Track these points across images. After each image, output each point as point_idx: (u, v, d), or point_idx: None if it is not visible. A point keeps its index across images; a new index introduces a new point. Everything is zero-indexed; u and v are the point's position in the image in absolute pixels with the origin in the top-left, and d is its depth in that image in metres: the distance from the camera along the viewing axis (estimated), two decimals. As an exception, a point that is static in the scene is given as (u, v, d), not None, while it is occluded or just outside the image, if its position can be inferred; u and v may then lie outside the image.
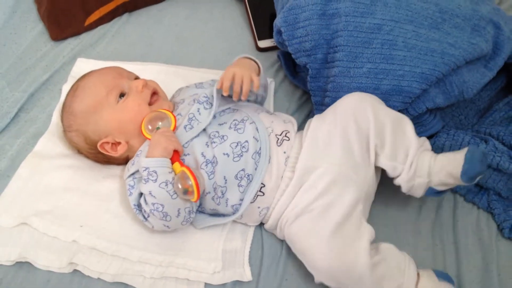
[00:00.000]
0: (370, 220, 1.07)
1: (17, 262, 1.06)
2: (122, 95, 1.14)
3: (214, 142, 1.07)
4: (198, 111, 1.12)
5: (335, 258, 0.97)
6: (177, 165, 1.04)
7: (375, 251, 1.01)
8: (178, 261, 1.06)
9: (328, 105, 1.16)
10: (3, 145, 1.24)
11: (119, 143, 1.13)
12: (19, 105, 1.30)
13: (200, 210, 1.12)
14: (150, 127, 1.11)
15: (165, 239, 1.09)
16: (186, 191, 1.01)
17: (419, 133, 1.17)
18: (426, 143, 1.08)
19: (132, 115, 1.12)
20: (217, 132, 1.09)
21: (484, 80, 1.16)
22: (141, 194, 1.05)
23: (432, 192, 1.05)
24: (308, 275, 1.04)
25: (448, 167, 1.01)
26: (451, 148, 1.15)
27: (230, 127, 1.10)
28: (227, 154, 1.06)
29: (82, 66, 1.39)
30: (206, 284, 1.04)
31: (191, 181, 1.00)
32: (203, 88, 1.21)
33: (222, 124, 1.11)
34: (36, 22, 1.50)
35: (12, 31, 1.47)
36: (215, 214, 1.12)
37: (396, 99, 1.10)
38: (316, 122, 1.12)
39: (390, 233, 1.11)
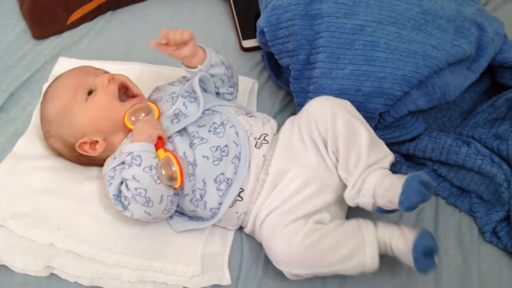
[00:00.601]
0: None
1: (-7, 265, 1.04)
2: (90, 92, 1.12)
3: (194, 143, 1.06)
4: (184, 105, 1.11)
5: (286, 246, 0.98)
6: (161, 151, 1.03)
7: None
8: (156, 265, 1.04)
9: (309, 107, 1.15)
10: (-18, 146, 1.22)
11: (96, 141, 1.12)
12: (-2, 105, 1.29)
13: (179, 211, 1.11)
14: (133, 119, 1.10)
15: (143, 243, 1.08)
16: (171, 178, 1.00)
17: (400, 136, 1.17)
18: (384, 160, 1.03)
19: (102, 111, 1.10)
20: (197, 132, 1.08)
21: (467, 83, 1.15)
22: (121, 183, 1.04)
23: (382, 211, 1.00)
24: (287, 280, 1.03)
25: (388, 194, 0.96)
26: (433, 151, 1.14)
27: (209, 131, 1.08)
28: (206, 157, 1.05)
29: (64, 65, 1.36)
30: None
31: (175, 167, 0.99)
32: (175, 85, 1.20)
33: (201, 126, 1.09)
34: (18, 20, 1.48)
35: (-7, 29, 1.46)
36: (194, 217, 1.10)
37: (378, 101, 1.09)
38: (288, 125, 1.12)
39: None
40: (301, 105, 1.20)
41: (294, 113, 1.28)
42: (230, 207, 1.06)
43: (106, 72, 1.18)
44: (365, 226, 1.01)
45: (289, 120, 1.13)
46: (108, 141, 1.12)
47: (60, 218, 1.09)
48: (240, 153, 1.07)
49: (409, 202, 0.93)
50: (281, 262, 1.00)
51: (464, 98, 1.26)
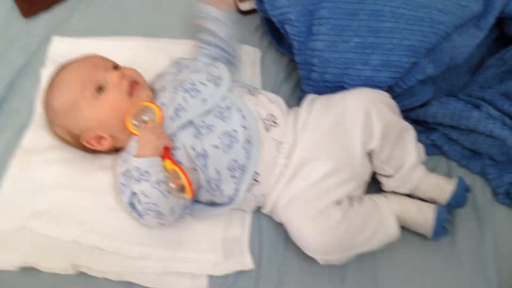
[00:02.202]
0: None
1: (21, 267, 1.05)
2: (99, 88, 1.09)
3: (201, 133, 1.05)
4: (184, 100, 1.09)
5: (322, 235, 1.00)
6: (168, 162, 1.03)
7: None
8: (178, 255, 1.06)
9: (315, 80, 1.13)
10: (-11, 142, 1.21)
11: (103, 137, 1.11)
12: None
13: (196, 200, 1.11)
14: (136, 122, 1.08)
15: (163, 232, 1.08)
16: (181, 189, 1.00)
17: (409, 103, 1.16)
18: (422, 155, 1.11)
19: (113, 110, 1.08)
20: (203, 122, 1.06)
21: (475, 42, 1.13)
22: (133, 193, 1.04)
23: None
24: (308, 258, 1.05)
25: (434, 193, 1.09)
26: (444, 116, 1.13)
27: (216, 116, 1.07)
28: (216, 146, 1.04)
29: (59, 46, 1.34)
30: (209, 276, 1.05)
31: (183, 181, 0.99)
32: (182, 72, 1.18)
33: (207, 112, 1.08)
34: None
35: (-21, 11, 1.40)
36: (212, 203, 1.11)
37: (386, 74, 1.07)
38: (320, 111, 1.09)
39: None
40: (305, 78, 1.17)
41: (299, 81, 1.25)
42: (247, 191, 1.06)
43: (116, 66, 1.14)
44: (379, 200, 1.08)
45: (320, 105, 1.10)
46: (114, 137, 1.11)
47: (78, 212, 1.10)
48: (249, 136, 1.06)
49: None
50: (316, 251, 1.02)
51: (472, 53, 1.22)
